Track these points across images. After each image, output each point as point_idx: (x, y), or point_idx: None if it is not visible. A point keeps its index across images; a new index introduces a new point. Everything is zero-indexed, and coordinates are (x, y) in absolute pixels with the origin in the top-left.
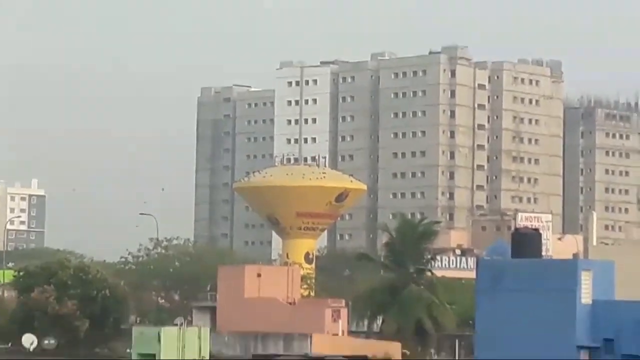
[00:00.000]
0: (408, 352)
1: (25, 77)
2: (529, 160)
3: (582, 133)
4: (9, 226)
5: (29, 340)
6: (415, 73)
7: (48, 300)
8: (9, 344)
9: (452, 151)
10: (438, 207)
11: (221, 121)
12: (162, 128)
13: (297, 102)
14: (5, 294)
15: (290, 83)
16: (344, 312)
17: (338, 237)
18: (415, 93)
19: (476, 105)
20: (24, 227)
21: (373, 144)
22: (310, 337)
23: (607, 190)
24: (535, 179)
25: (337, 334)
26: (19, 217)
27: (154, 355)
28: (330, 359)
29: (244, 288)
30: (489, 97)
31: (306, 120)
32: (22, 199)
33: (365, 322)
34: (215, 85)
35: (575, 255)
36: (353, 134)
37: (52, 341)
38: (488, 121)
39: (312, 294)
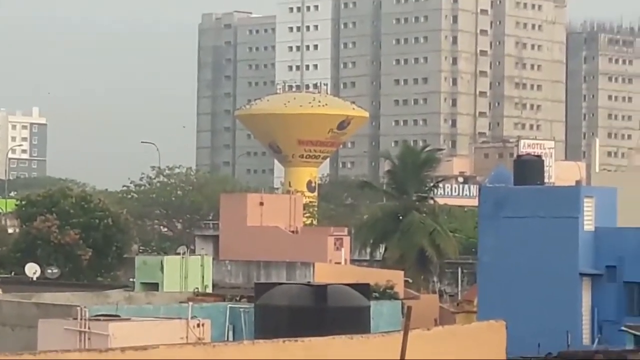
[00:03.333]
0: (410, 280)
1: (28, 3)
2: (532, 87)
3: (585, 58)
4: (10, 155)
5: (32, 269)
6: None
7: (50, 229)
8: (12, 273)
9: (454, 78)
10: (440, 135)
11: (222, 48)
12: (163, 55)
13: (298, 29)
14: (8, 223)
15: (291, 9)
16: (346, 240)
17: (340, 165)
18: (417, 19)
19: (478, 31)
20: (25, 156)
21: (375, 70)
22: (313, 265)
23: (609, 116)
24: (538, 106)
25: (339, 262)
26: (21, 145)
27: (157, 284)
28: (333, 287)
29: (247, 216)
30: (491, 22)
31: (308, 47)
32: (24, 127)
33: (368, 250)
34: (216, 11)
35: (577, 182)
36: (355, 61)
37: (55, 270)
38: (490, 47)
39: (315, 222)
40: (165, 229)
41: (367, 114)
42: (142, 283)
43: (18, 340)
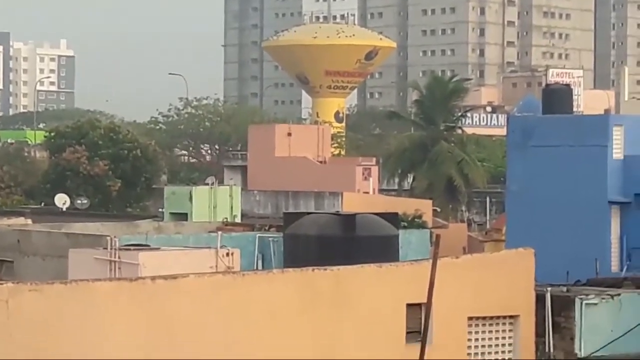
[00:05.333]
0: (439, 209)
1: None
2: (560, 15)
3: None
4: (38, 87)
5: (61, 200)
6: None
7: (80, 160)
8: (42, 204)
9: (482, 7)
10: (468, 64)
11: None
12: None
13: None
14: (37, 155)
15: None
16: (374, 170)
17: (368, 96)
18: None
19: None
20: (53, 88)
21: (402, 0)
22: (341, 195)
23: (639, 44)
24: (567, 34)
25: (367, 192)
26: (49, 77)
27: (186, 214)
28: (361, 216)
29: (275, 147)
30: None
31: None
32: (52, 59)
33: (396, 180)
34: None
35: (606, 111)
36: None
37: (85, 201)
38: None
39: (343, 152)
40: (194, 160)
41: (394, 45)
42: (171, 213)
43: (49, 269)
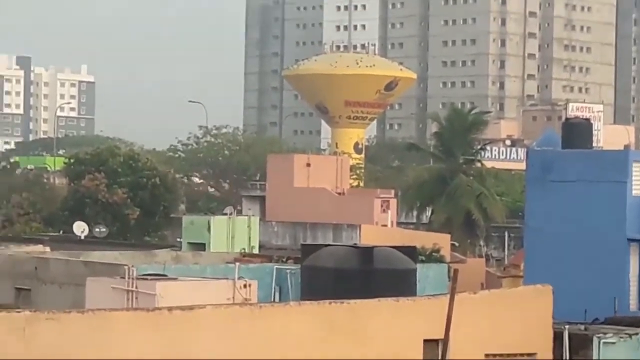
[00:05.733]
0: (457, 244)
1: None
2: (581, 49)
3: (635, 20)
4: (58, 113)
5: (80, 228)
6: None
7: (99, 187)
8: (60, 231)
9: (502, 39)
10: (488, 97)
11: (270, 7)
12: (212, 14)
13: None
14: (57, 181)
15: None
16: (393, 203)
17: (387, 127)
18: None
19: None
20: (74, 114)
21: (423, 31)
22: (359, 227)
23: None
24: (587, 68)
25: (386, 225)
26: (69, 103)
27: (204, 244)
28: (379, 249)
29: (293, 177)
30: None
31: (356, 7)
32: (72, 85)
33: (414, 213)
34: None
35: (626, 146)
36: (403, 21)
37: (103, 229)
38: (539, 8)
39: (361, 184)
40: (213, 189)
41: (414, 76)
42: (189, 243)
43: (66, 298)
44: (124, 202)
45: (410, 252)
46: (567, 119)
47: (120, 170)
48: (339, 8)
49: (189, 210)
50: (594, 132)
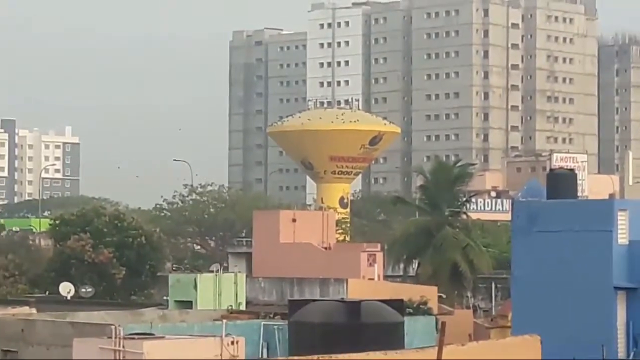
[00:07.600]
0: (444, 296)
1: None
2: (564, 100)
3: (617, 71)
4: (43, 174)
5: (66, 289)
6: (447, 13)
7: (84, 248)
8: (47, 292)
9: (485, 92)
10: (472, 149)
11: (253, 65)
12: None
13: (329, 45)
14: (42, 243)
15: (322, 25)
16: (379, 256)
17: (372, 181)
18: (448, 33)
19: (510, 45)
20: (59, 175)
21: (406, 85)
22: (346, 281)
23: None
24: (570, 119)
25: (372, 279)
26: (54, 165)
27: (191, 302)
28: (367, 303)
29: (279, 233)
30: (522, 36)
31: (339, 63)
32: (57, 146)
33: (401, 266)
34: (247, 28)
35: (611, 196)
36: (386, 76)
37: (89, 289)
38: (522, 61)
39: (348, 238)
40: (199, 247)
41: (398, 130)
42: (175, 301)
43: (53, 359)
44: (110, 262)
45: (398, 305)
46: (551, 169)
47: (106, 230)
48: (322, 65)
49: (176, 268)
50: (579, 182)
